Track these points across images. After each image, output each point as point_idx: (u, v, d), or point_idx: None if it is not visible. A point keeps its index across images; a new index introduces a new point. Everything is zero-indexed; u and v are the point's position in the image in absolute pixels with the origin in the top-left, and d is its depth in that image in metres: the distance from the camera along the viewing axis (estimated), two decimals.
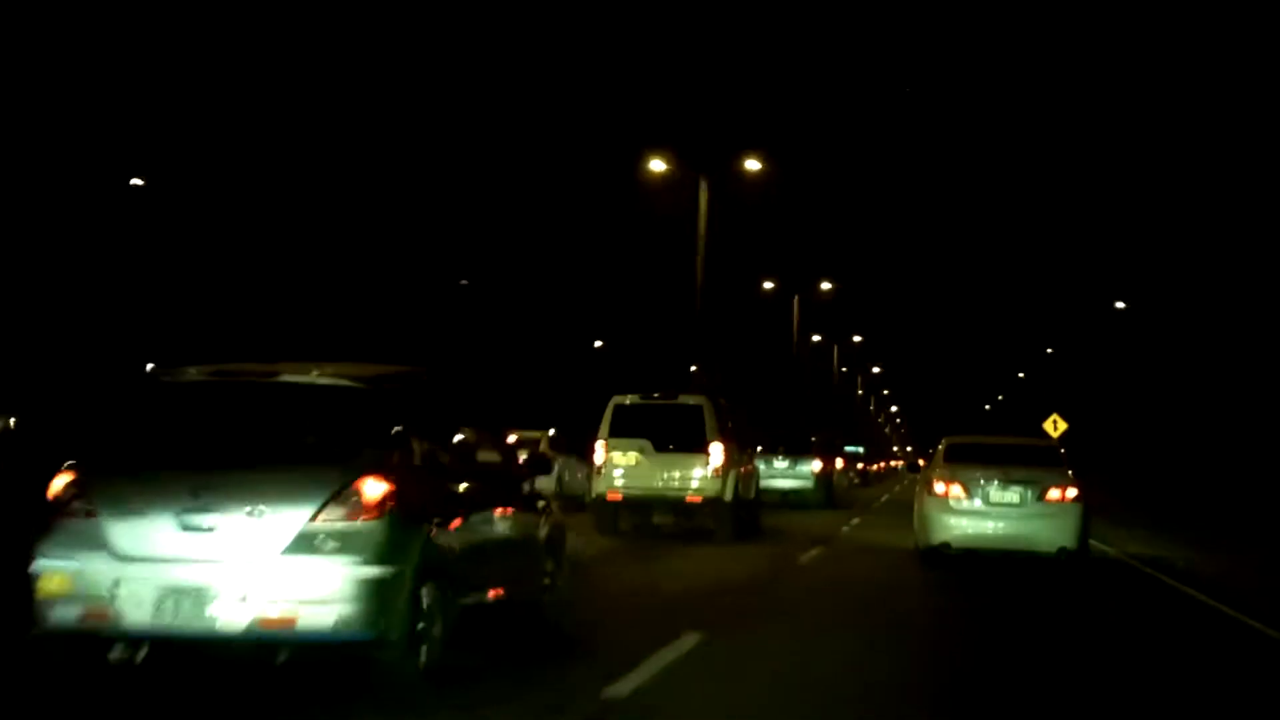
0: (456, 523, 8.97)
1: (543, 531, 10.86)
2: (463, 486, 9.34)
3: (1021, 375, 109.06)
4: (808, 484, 36.92)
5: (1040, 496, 17.75)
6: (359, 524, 7.99)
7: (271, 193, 59.45)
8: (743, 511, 23.60)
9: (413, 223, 70.71)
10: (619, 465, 22.46)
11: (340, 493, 8.01)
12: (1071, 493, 17.83)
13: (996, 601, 14.89)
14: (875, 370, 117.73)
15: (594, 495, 22.94)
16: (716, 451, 22.32)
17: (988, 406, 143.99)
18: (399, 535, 8.13)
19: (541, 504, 11.10)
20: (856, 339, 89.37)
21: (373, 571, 7.94)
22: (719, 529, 22.36)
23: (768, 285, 64.20)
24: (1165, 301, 60.43)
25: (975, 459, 18.56)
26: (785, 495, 35.84)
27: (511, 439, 33.82)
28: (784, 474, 36.73)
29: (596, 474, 22.75)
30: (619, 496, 22.54)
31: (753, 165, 40.01)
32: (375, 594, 7.93)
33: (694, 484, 22.33)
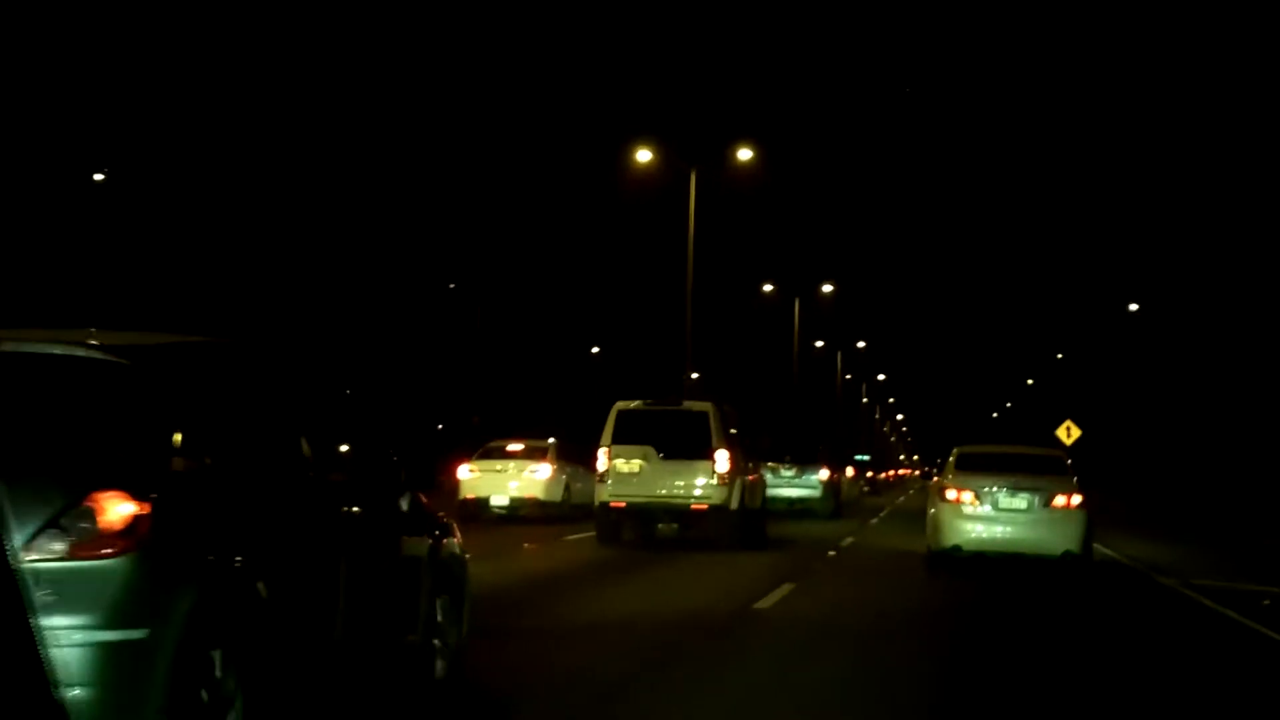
0: (276, 559, 6.57)
1: (428, 564, 8.36)
2: (297, 507, 7.08)
3: (1031, 382, 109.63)
4: (815, 493, 37.79)
5: (1046, 503, 19.17)
6: (92, 563, 5.56)
7: (255, 195, 59.87)
8: (748, 520, 23.87)
9: (394, 225, 70.94)
10: (622, 473, 22.80)
11: (62, 516, 5.58)
12: (1076, 500, 19.25)
13: (1002, 605, 15.75)
14: (880, 378, 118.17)
15: (597, 503, 23.30)
16: (722, 459, 22.63)
17: (995, 414, 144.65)
18: (159, 580, 5.72)
19: (437, 529, 8.73)
20: (860, 345, 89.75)
21: (112, 636, 5.54)
22: (723, 538, 22.63)
23: (767, 288, 64.52)
24: (1180, 302, 60.87)
25: (985, 467, 20.06)
26: (792, 504, 36.80)
27: (516, 446, 33.26)
28: (791, 483, 37.61)
29: (599, 482, 23.10)
30: (622, 504, 22.84)
31: (745, 155, 40.16)
32: (116, 670, 5.54)
33: (698, 492, 22.64)
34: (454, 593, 8.76)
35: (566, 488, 30.36)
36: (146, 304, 46.81)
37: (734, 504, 22.76)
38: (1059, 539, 18.94)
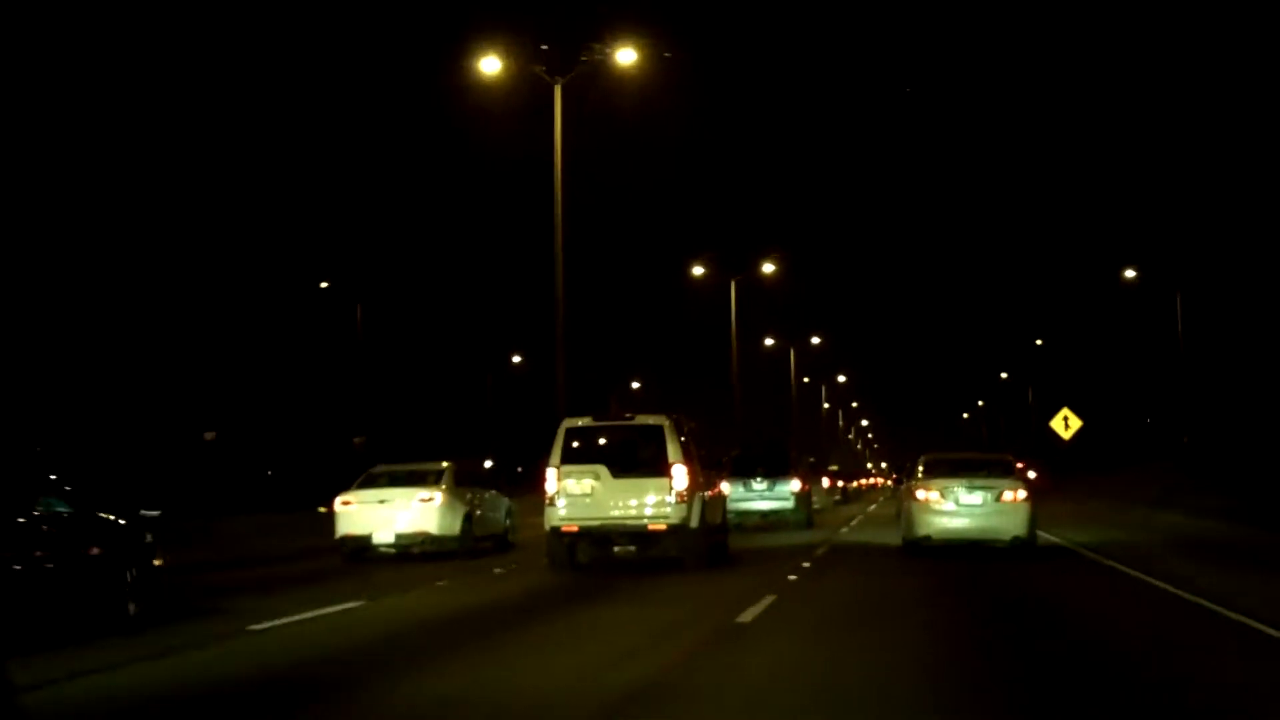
0: None
1: None
2: None
3: (1005, 376, 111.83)
4: (788, 505, 40.80)
5: (998, 498, 26.34)
6: None
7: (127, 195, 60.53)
8: (711, 538, 24.99)
9: (250, 218, 70.61)
10: (573, 494, 23.75)
11: None
12: (1021, 494, 26.46)
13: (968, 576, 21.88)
14: (841, 379, 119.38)
15: (548, 527, 24.17)
16: (680, 475, 23.60)
17: (965, 414, 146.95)
18: None
19: None
20: (815, 341, 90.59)
21: None
22: (687, 559, 23.68)
23: (704, 273, 63.06)
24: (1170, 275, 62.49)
25: (948, 471, 27.30)
26: (765, 516, 40.27)
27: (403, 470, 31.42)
28: (763, 495, 40.76)
29: (549, 504, 23.97)
30: (575, 528, 23.81)
31: (628, 58, 36.47)
32: None
33: (655, 511, 23.65)
34: None
35: (467, 518, 28.68)
36: None
37: (694, 522, 23.73)
38: (1009, 527, 26.22)
